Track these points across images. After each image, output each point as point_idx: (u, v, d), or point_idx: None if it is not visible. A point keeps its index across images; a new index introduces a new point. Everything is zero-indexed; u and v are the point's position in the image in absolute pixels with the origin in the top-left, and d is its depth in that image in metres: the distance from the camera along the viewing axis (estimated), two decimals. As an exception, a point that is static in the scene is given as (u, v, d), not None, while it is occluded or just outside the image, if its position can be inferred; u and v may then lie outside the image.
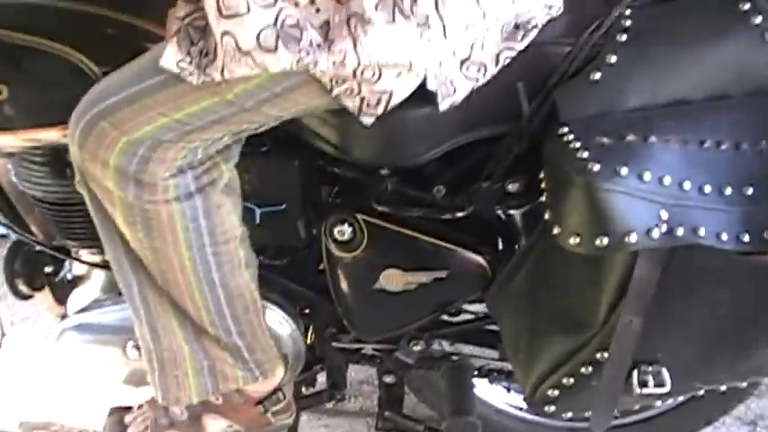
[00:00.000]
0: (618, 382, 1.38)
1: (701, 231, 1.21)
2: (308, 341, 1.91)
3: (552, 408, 1.51)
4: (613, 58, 1.34)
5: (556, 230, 1.27)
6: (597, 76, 1.35)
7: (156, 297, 1.53)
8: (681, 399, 2.11)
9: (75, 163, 1.41)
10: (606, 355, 1.36)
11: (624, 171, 1.21)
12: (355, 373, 2.63)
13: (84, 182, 1.43)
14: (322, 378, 2.01)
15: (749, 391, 2.11)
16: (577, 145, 1.27)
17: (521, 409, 2.28)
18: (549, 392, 1.48)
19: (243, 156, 1.57)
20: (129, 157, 1.34)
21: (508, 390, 2.25)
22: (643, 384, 1.37)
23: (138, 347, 1.76)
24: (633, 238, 1.18)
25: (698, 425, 2.22)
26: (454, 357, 1.93)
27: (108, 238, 1.48)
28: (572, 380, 1.44)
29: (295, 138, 1.57)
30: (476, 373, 1.97)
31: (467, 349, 2.00)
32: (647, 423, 2.22)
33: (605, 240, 1.19)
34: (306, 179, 1.66)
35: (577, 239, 1.23)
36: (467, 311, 1.92)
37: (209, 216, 1.44)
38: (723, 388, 1.56)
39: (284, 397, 1.69)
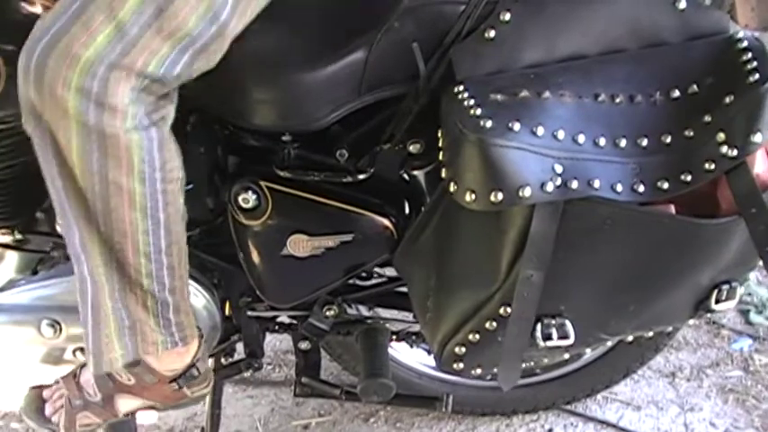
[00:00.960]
0: (522, 337, 1.39)
1: (596, 183, 1.23)
2: (225, 312, 1.91)
3: (460, 365, 1.52)
4: (507, 16, 1.35)
5: (452, 188, 1.28)
6: (492, 33, 1.36)
7: (94, 245, 1.50)
8: (596, 352, 2.15)
9: (27, 100, 1.38)
10: (509, 309, 1.37)
11: (517, 126, 1.22)
12: (279, 342, 2.65)
13: (35, 118, 1.39)
14: (241, 348, 2.01)
15: (665, 341, 2.15)
16: (471, 102, 1.28)
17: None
18: (457, 350, 1.49)
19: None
20: (90, 77, 1.32)
21: (429, 353, 2.26)
22: (547, 337, 1.39)
23: (52, 325, 1.76)
24: (527, 192, 1.20)
25: (617, 377, 2.27)
26: (369, 321, 1.94)
27: (53, 178, 1.45)
28: (477, 336, 1.45)
29: (199, 114, 1.60)
30: (394, 337, 1.98)
31: (384, 313, 2.01)
32: (566, 378, 2.26)
33: (500, 195, 1.21)
34: (211, 161, 1.66)
35: (473, 196, 1.24)
36: (380, 275, 1.93)
37: (162, 150, 1.42)
38: (630, 338, 1.59)
39: (199, 372, 1.68)
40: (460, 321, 1.45)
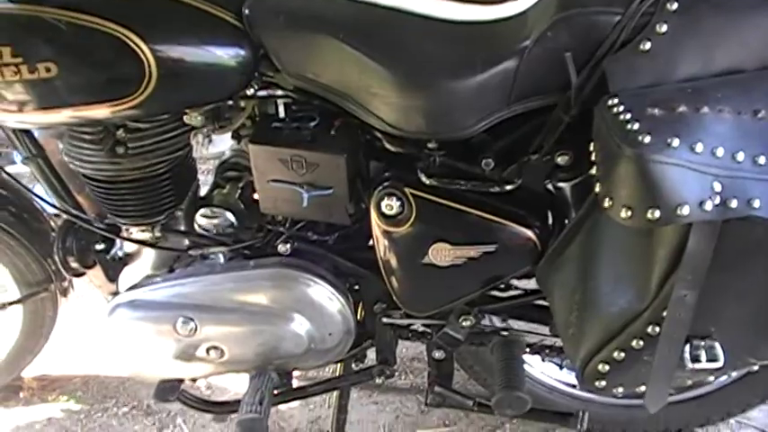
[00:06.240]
0: (673, 358, 1.35)
1: (756, 203, 1.18)
2: (358, 317, 1.91)
3: (603, 383, 1.49)
4: (664, 28, 1.32)
5: (607, 204, 1.25)
6: (647, 45, 1.32)
7: None
8: (736, 375, 2.09)
9: None
10: (657, 329, 1.34)
11: (676, 143, 1.19)
12: (406, 349, 2.65)
13: None
14: (372, 354, 2.01)
15: (806, 366, 2.09)
16: (628, 116, 1.24)
17: (573, 386, 2.27)
18: (600, 367, 1.46)
19: (292, 145, 1.60)
20: None
21: (560, 367, 2.24)
22: (695, 359, 1.35)
23: (188, 323, 1.78)
24: (686, 210, 1.16)
25: (754, 401, 2.20)
26: (504, 333, 1.92)
27: None
28: (623, 354, 1.42)
29: (344, 120, 1.60)
30: (528, 349, 1.95)
31: (517, 325, 1.98)
32: (701, 399, 2.21)
33: (657, 213, 1.17)
34: (353, 167, 1.65)
35: (629, 213, 1.21)
36: (516, 287, 1.90)
37: None
38: (778, 364, 1.54)
39: None
40: (606, 339, 1.43)
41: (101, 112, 1.51)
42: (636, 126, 1.22)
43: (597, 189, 1.29)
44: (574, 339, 1.51)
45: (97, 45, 1.44)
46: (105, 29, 1.42)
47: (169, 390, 1.97)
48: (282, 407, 2.52)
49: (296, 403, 2.54)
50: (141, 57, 1.44)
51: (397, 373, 2.61)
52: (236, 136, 1.81)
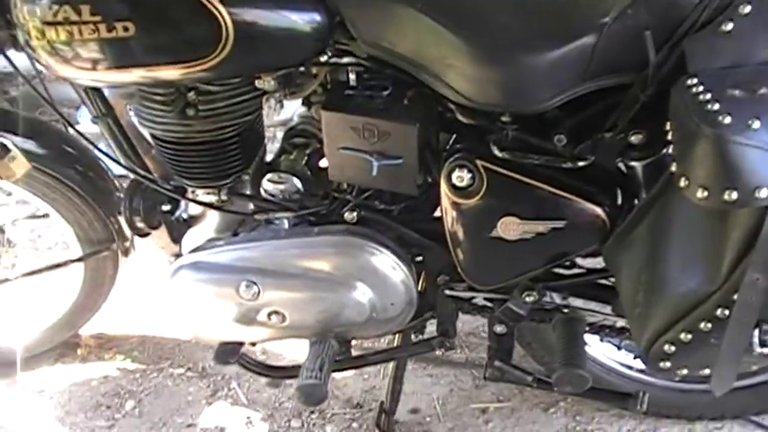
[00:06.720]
0: (742, 342, 1.35)
1: (835, 189, 1.17)
2: (420, 288, 1.91)
3: (668, 364, 1.49)
4: (747, 9, 1.30)
5: (682, 183, 1.24)
6: (729, 26, 1.31)
7: None
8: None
9: None
10: (727, 312, 1.34)
11: (756, 125, 1.18)
12: (462, 324, 2.64)
13: None
14: (431, 327, 2.02)
15: None
16: (707, 97, 1.23)
17: (630, 368, 2.26)
18: (666, 348, 1.46)
19: (365, 113, 1.60)
20: None
21: (618, 348, 2.23)
22: (764, 344, 1.35)
23: (250, 287, 1.79)
24: (764, 193, 1.15)
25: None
26: (565, 311, 1.91)
27: None
28: (690, 336, 1.42)
29: (417, 90, 1.60)
30: (587, 328, 1.94)
31: (578, 303, 1.97)
32: (759, 387, 2.19)
33: (734, 195, 1.17)
34: (424, 137, 1.64)
35: (705, 193, 1.20)
36: (580, 266, 1.90)
37: None
38: None
39: None
40: (673, 319, 1.42)
41: (175, 73, 1.52)
42: (716, 106, 1.21)
43: (673, 168, 1.28)
44: (640, 319, 1.50)
45: (176, 5, 1.44)
46: None
47: (230, 352, 1.98)
48: (337, 375, 2.54)
49: (350, 372, 2.56)
50: (219, 18, 1.44)
51: (454, 346, 2.62)
52: (307, 103, 1.81)
